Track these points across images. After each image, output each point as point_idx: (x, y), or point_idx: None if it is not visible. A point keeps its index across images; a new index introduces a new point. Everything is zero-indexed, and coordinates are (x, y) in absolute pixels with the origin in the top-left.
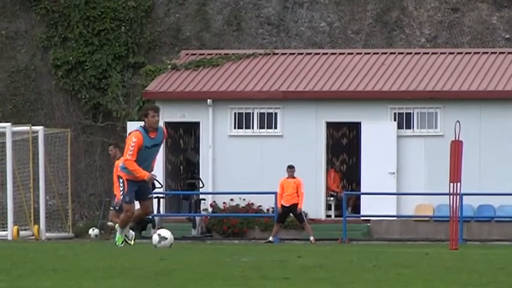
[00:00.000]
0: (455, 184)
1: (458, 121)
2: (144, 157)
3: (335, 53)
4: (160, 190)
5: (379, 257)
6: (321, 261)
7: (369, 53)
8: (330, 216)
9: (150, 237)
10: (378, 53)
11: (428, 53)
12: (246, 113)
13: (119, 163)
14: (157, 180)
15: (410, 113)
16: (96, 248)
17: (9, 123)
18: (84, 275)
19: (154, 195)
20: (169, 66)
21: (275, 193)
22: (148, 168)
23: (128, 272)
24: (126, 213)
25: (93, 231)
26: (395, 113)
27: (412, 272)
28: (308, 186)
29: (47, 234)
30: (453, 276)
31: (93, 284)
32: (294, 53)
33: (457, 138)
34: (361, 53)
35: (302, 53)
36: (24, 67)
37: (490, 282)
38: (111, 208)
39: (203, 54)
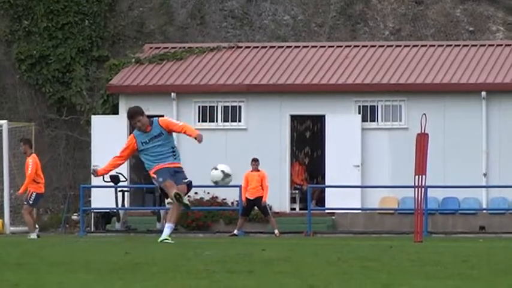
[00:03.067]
0: (420, 177)
1: (424, 114)
2: (152, 152)
3: (299, 46)
4: (125, 183)
5: (343, 249)
6: (285, 255)
7: (333, 46)
8: (294, 209)
9: (115, 231)
10: (341, 46)
11: (392, 46)
12: (210, 107)
13: (29, 160)
14: (121, 174)
15: (374, 105)
16: (61, 242)
17: None
18: (48, 269)
19: (119, 189)
20: (133, 60)
21: (239, 186)
22: (169, 158)
23: (92, 265)
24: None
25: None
26: (359, 106)
27: (376, 265)
28: (272, 179)
29: (12, 228)
30: (417, 269)
31: (57, 278)
32: (257, 46)
33: (423, 131)
34: (325, 46)
35: (266, 46)
36: None
37: (454, 274)
38: (25, 203)
39: (167, 47)
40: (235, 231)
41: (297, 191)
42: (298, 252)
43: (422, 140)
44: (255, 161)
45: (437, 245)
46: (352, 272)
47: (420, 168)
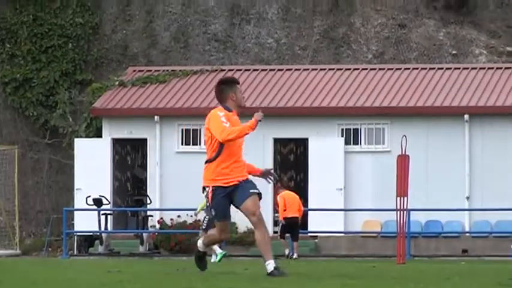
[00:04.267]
0: (402, 198)
1: (404, 135)
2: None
3: (282, 69)
4: (108, 207)
5: (326, 269)
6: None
7: (316, 69)
8: (277, 232)
9: (98, 254)
10: (325, 69)
11: (375, 69)
12: (193, 129)
13: None
14: (104, 197)
15: (357, 128)
16: (44, 262)
17: None
18: (31, 287)
19: (102, 212)
20: (117, 83)
21: None
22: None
23: (74, 283)
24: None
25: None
26: (342, 129)
27: (358, 283)
28: None
29: None
30: (400, 286)
31: None
32: (241, 69)
33: (403, 153)
34: (308, 69)
35: (249, 69)
36: None
37: None
38: None
39: (150, 70)
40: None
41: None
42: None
43: (403, 161)
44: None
45: (420, 266)
46: None
47: (402, 189)
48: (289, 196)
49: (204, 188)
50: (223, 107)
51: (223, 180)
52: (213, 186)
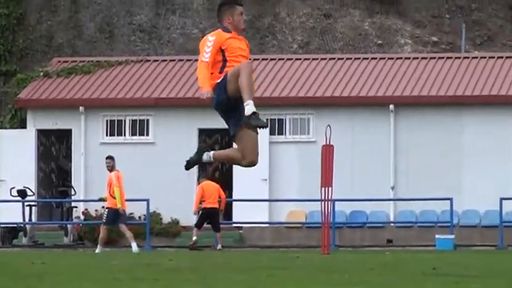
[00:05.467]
0: (326, 189)
1: (329, 125)
2: None
3: None
4: (32, 198)
5: (250, 260)
6: (192, 264)
7: None
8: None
9: (22, 246)
10: (250, 59)
11: (300, 59)
12: (118, 120)
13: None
14: (29, 189)
15: (282, 119)
16: None
17: None
18: None
19: (26, 204)
20: (41, 74)
21: (147, 200)
22: None
23: None
24: None
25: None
26: (267, 119)
27: (283, 273)
28: (180, 193)
29: None
30: (325, 277)
31: None
32: (166, 60)
33: (327, 143)
34: None
35: (174, 60)
36: None
37: (361, 281)
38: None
39: (75, 61)
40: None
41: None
42: (205, 262)
43: (327, 151)
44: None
45: (345, 256)
46: (260, 280)
47: (326, 180)
48: (208, 186)
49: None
50: (221, 29)
51: None
52: None
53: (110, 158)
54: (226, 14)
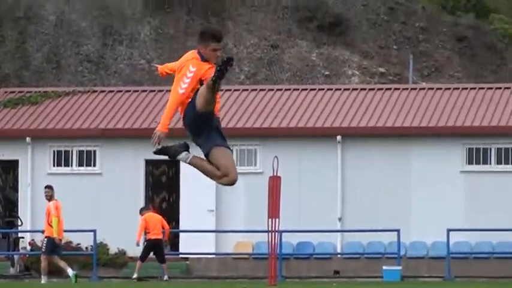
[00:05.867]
0: (273, 220)
1: (276, 156)
2: None
3: (154, 91)
4: None
5: None
6: None
7: None
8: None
9: None
10: None
11: (247, 90)
12: (65, 151)
13: None
14: None
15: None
16: None
17: None
18: None
19: None
20: None
21: (94, 231)
22: None
23: None
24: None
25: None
26: None
27: None
28: (127, 223)
29: None
30: None
31: None
32: (113, 91)
33: (275, 174)
34: None
35: (121, 91)
36: None
37: None
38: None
39: (22, 92)
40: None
41: None
42: None
43: (274, 182)
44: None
45: (292, 287)
46: None
47: (273, 211)
48: (151, 218)
49: None
50: (198, 54)
51: None
52: None
53: (49, 187)
54: (202, 43)
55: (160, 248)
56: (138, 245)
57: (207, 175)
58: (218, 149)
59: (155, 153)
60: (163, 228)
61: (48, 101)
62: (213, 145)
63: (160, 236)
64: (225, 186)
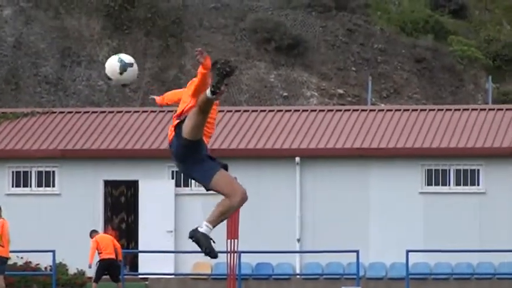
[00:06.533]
0: (232, 241)
1: (235, 177)
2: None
3: (113, 112)
4: None
5: None
6: None
7: (147, 111)
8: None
9: None
10: (155, 111)
11: None
12: (23, 172)
13: None
14: None
15: None
16: None
17: None
18: None
19: None
20: None
21: (53, 251)
22: None
23: None
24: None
25: None
26: (173, 171)
27: None
28: (86, 244)
29: None
30: None
31: None
32: (72, 112)
33: None
34: (138, 111)
35: (80, 112)
36: None
37: None
38: None
39: None
40: None
41: None
42: None
43: None
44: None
45: None
46: None
47: (232, 232)
48: (102, 238)
49: None
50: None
51: None
52: None
53: None
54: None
55: (114, 268)
56: (90, 267)
57: (228, 214)
58: (216, 180)
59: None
60: (115, 247)
61: (7, 122)
62: (210, 177)
63: (113, 256)
64: (241, 205)
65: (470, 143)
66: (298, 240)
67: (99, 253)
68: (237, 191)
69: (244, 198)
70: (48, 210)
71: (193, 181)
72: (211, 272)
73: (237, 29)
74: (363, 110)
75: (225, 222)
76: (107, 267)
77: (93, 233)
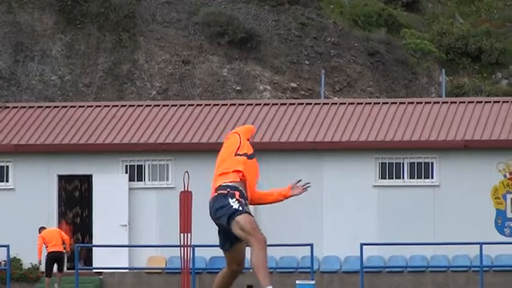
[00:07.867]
0: (186, 235)
1: (187, 171)
2: None
3: (66, 106)
4: None
5: None
6: None
7: (100, 106)
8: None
9: None
10: (109, 106)
11: (159, 105)
12: None
13: None
14: None
15: (141, 165)
16: None
17: None
18: None
19: None
20: None
21: (7, 246)
22: None
23: None
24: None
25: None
26: (126, 165)
27: None
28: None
29: None
30: None
31: None
32: (25, 107)
33: (186, 189)
34: (92, 106)
35: (33, 107)
36: None
37: None
38: None
39: None
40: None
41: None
42: None
43: (185, 197)
44: None
45: None
46: None
47: (185, 226)
48: (48, 233)
49: None
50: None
51: None
52: None
53: None
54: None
55: (62, 259)
56: (39, 263)
57: (263, 260)
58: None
59: None
60: (63, 240)
61: None
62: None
63: (60, 248)
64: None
65: (424, 136)
66: None
67: (46, 247)
68: (253, 237)
69: (259, 243)
70: (2, 205)
71: (147, 175)
72: (165, 266)
73: (190, 23)
74: (316, 104)
75: (177, 216)
76: (54, 260)
77: (41, 229)
